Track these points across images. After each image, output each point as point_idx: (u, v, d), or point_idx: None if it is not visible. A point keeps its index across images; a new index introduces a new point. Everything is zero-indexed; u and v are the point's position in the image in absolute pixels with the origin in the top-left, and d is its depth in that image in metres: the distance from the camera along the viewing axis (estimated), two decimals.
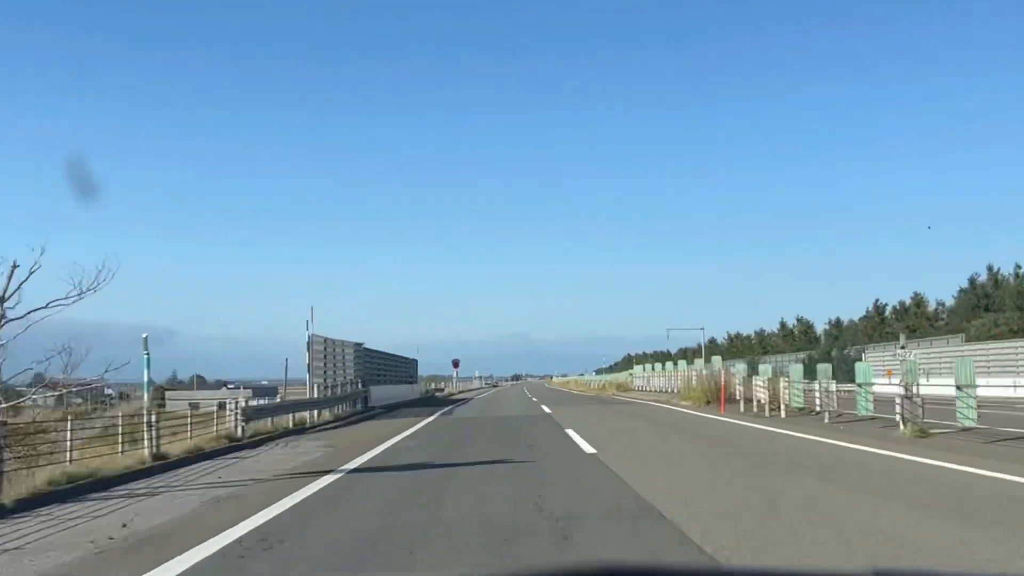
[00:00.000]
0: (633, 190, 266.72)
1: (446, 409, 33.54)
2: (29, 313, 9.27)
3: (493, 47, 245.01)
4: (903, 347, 36.63)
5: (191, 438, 15.81)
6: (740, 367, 29.38)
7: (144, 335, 12.73)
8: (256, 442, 17.24)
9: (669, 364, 49.10)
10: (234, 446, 16.07)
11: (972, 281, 51.71)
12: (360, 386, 31.85)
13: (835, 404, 19.43)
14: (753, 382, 24.32)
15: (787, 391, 21.57)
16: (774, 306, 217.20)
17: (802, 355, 51.22)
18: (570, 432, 17.11)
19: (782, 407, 21.38)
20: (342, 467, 11.65)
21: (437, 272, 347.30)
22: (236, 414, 17.55)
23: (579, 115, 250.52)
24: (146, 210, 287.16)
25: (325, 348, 29.94)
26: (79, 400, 47.72)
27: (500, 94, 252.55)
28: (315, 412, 24.59)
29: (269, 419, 20.67)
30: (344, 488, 9.51)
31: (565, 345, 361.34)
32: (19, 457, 10.96)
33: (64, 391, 20.85)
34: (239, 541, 6.34)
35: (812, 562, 5.14)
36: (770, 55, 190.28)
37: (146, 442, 12.99)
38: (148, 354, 12.71)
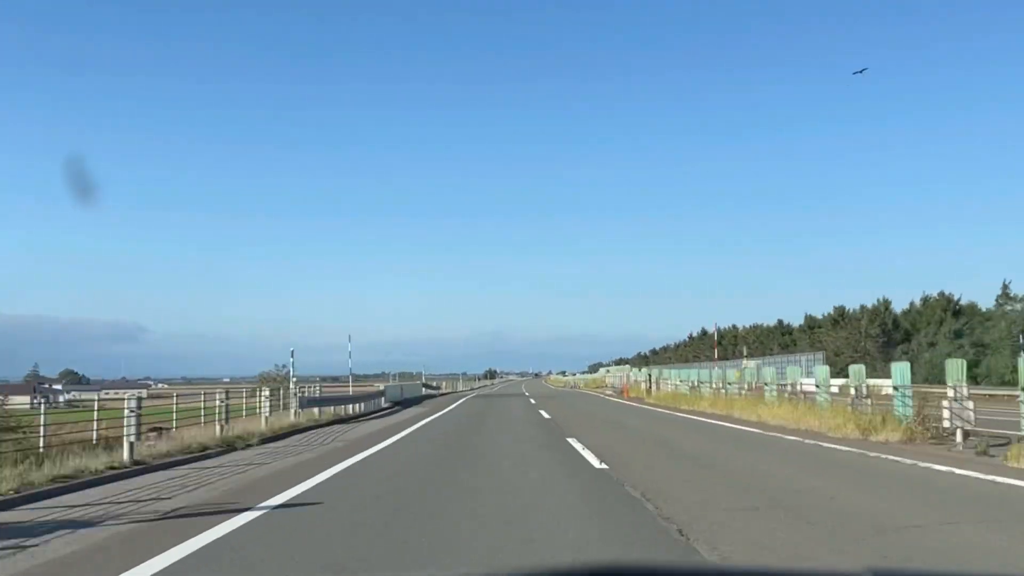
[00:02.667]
0: (617, 189, 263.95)
1: None
2: None
3: (481, 43, 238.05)
4: None
5: None
6: None
7: None
8: None
9: None
10: None
11: None
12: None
13: None
14: None
15: None
16: (773, 301, 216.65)
17: None
18: None
19: None
20: None
21: (414, 271, 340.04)
22: None
23: (560, 113, 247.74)
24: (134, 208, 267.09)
25: None
26: None
27: (486, 93, 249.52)
28: None
29: None
30: None
31: (538, 344, 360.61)
32: None
33: None
34: None
35: None
36: (768, 52, 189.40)
37: None
38: None
